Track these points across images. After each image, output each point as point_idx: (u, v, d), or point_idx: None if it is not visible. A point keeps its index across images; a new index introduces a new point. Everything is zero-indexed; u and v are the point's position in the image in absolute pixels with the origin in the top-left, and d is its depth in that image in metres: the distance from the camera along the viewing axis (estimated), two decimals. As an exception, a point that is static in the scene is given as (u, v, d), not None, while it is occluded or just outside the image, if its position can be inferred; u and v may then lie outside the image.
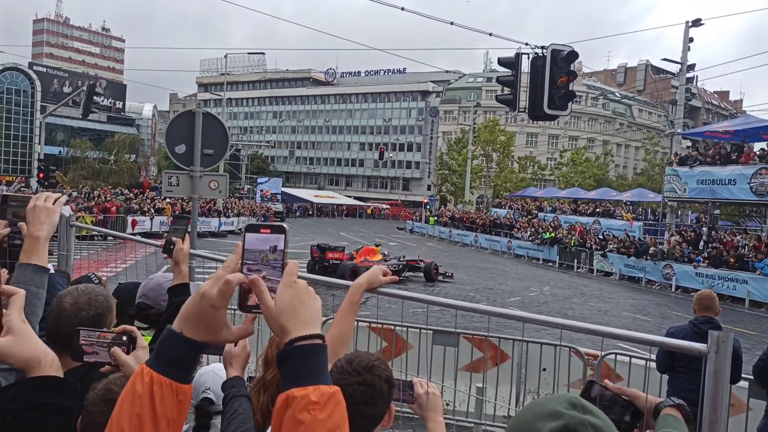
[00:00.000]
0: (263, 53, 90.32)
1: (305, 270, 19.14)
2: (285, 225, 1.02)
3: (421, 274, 20.43)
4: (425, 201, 54.02)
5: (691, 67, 28.15)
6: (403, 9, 13.15)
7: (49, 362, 1.09)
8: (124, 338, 1.61)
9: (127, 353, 1.58)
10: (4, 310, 1.10)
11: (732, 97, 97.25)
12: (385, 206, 76.31)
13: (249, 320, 1.02)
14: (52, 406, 1.03)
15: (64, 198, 1.97)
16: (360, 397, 1.55)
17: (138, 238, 4.36)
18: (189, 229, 2.46)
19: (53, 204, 1.84)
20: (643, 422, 1.52)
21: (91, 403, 1.63)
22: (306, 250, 20.72)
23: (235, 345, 2.09)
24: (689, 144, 30.59)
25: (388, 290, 2.09)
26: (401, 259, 20.99)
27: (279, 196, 64.72)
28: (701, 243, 23.87)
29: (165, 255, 2.40)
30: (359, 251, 20.53)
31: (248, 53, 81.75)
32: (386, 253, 21.19)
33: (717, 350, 1.33)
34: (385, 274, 2.06)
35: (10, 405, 1.03)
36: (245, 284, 0.98)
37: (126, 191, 37.23)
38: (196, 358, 0.96)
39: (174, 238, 2.33)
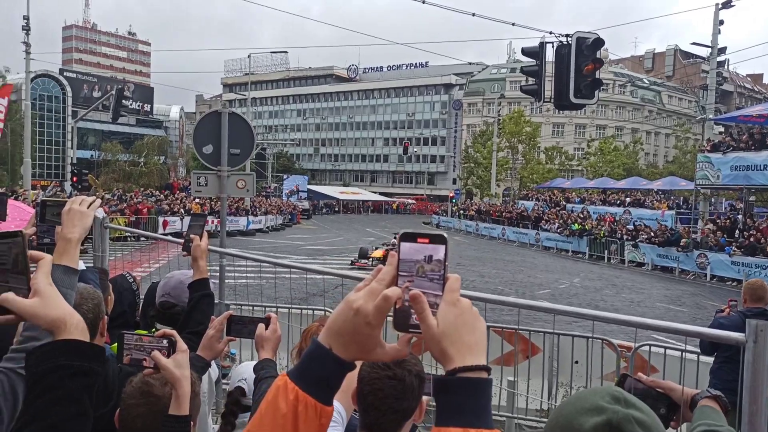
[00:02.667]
0: (286, 52, 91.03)
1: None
2: (445, 235, 0.92)
3: None
4: (451, 195, 53.68)
5: (722, 50, 27.32)
6: (424, 2, 13.08)
7: (74, 324, 1.11)
8: (165, 342, 1.64)
9: (167, 357, 1.62)
10: (31, 274, 1.13)
11: (766, 80, 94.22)
12: (410, 201, 76.15)
13: (404, 341, 0.91)
14: (73, 368, 1.05)
15: (99, 202, 2.03)
16: (390, 391, 1.56)
17: (168, 237, 4.46)
18: (207, 227, 2.53)
19: (87, 208, 1.89)
20: (680, 414, 1.50)
21: (129, 396, 1.68)
22: (334, 246, 20.95)
23: (266, 328, 2.14)
24: (722, 130, 29.68)
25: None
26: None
27: (304, 194, 65.13)
28: (736, 231, 23.23)
29: (185, 253, 2.48)
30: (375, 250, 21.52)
31: (271, 52, 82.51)
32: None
33: (755, 339, 1.30)
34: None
35: (33, 368, 1.07)
36: (402, 300, 0.87)
37: (156, 192, 37.95)
38: (342, 378, 0.87)
39: (192, 236, 2.40)
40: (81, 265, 2.63)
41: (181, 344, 1.67)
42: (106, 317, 2.24)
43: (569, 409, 0.94)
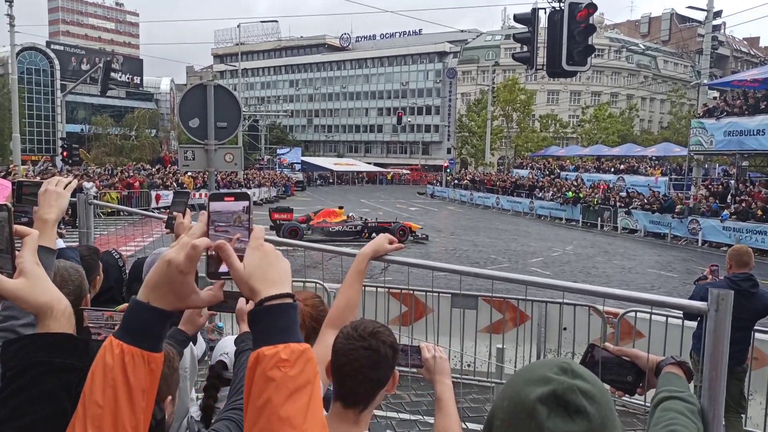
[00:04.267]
0: (276, 21, 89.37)
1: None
2: (248, 191, 1.08)
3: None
4: (445, 165, 53.58)
5: (718, 13, 27.06)
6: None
7: (61, 310, 1.05)
8: None
9: None
10: (17, 252, 1.05)
11: (763, 43, 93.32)
12: (405, 171, 75.99)
13: (218, 286, 1.03)
14: (52, 365, 1.00)
15: (75, 182, 2.03)
16: (365, 361, 1.60)
17: (154, 214, 4.45)
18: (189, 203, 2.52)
19: (64, 188, 1.89)
20: (645, 381, 1.53)
21: None
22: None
23: (248, 302, 2.16)
24: (717, 95, 29.56)
25: (396, 258, 2.12)
26: (367, 221, 21.44)
27: (298, 166, 64.84)
28: (729, 196, 23.34)
29: (167, 230, 2.48)
30: (318, 213, 21.54)
31: (261, 22, 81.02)
32: (351, 215, 21.76)
33: (717, 308, 1.32)
34: (390, 242, 2.08)
35: (9, 363, 1.00)
36: (212, 249, 0.98)
37: (148, 166, 37.71)
38: (165, 326, 0.97)
39: (175, 213, 2.40)
40: (60, 243, 2.63)
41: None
42: (89, 295, 2.24)
43: (518, 380, 0.95)
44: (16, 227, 1.10)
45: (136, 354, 0.91)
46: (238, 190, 1.06)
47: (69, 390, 1.00)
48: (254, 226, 1.02)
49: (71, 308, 1.10)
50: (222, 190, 1.12)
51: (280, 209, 22.80)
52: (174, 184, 30.59)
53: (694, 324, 4.91)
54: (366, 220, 21.79)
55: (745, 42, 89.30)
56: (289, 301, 0.93)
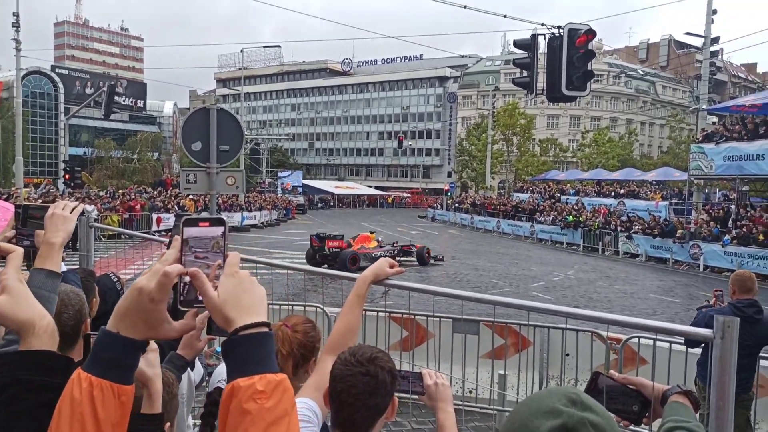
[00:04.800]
0: (279, 46, 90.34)
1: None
2: (223, 217, 1.05)
3: (414, 259, 20.88)
4: (446, 188, 53.71)
5: (716, 40, 27.33)
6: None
7: (44, 327, 1.04)
8: None
9: None
10: (0, 269, 1.06)
11: (760, 69, 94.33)
12: (406, 195, 76.17)
13: (191, 314, 1.01)
14: (33, 383, 0.99)
15: (81, 207, 2.03)
16: (363, 387, 1.57)
17: (155, 237, 4.45)
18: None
19: (71, 212, 1.90)
20: (651, 411, 1.50)
21: None
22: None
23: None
24: (715, 120, 29.74)
25: (396, 282, 2.10)
26: (395, 245, 21.55)
27: (300, 189, 65.04)
28: (729, 221, 23.32)
29: None
30: (356, 239, 21.07)
31: (264, 47, 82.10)
32: (380, 240, 21.68)
33: (723, 336, 1.30)
34: (391, 266, 2.07)
35: None
36: (185, 276, 0.96)
37: (150, 189, 37.83)
38: (136, 357, 0.94)
39: (176, 236, 2.39)
40: (62, 267, 2.61)
41: (152, 343, 1.66)
42: (89, 320, 2.23)
43: (524, 411, 0.93)
44: (0, 245, 1.12)
45: (105, 387, 0.88)
46: (214, 216, 1.06)
47: (49, 408, 0.98)
48: (229, 252, 1.00)
49: (54, 324, 1.09)
50: (196, 215, 1.09)
51: (331, 236, 20.17)
52: (175, 207, 30.64)
53: (698, 350, 4.86)
54: (396, 243, 22.05)
55: (743, 68, 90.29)
56: (265, 330, 0.91)
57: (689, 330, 1.43)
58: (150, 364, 1.62)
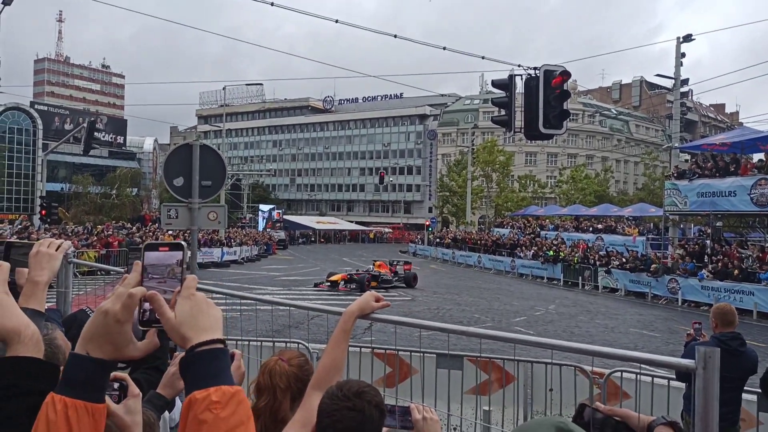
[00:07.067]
0: (261, 84, 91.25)
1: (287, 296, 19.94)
2: (183, 242, 1.10)
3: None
4: (427, 223, 53.96)
5: (685, 81, 28.38)
6: (396, 36, 13.36)
7: (29, 336, 1.09)
8: (116, 386, 1.48)
9: (118, 402, 1.51)
10: None
11: (728, 110, 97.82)
12: (387, 230, 76.29)
13: (151, 334, 1.07)
14: (18, 388, 1.02)
15: (67, 244, 2.01)
16: (349, 422, 1.56)
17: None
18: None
19: (56, 250, 1.87)
20: (637, 441, 1.51)
21: None
22: (311, 277, 21.06)
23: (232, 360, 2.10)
24: (688, 157, 30.63)
25: (383, 316, 2.10)
26: (393, 267, 25.88)
27: (279, 224, 64.76)
28: (705, 256, 23.76)
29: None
30: (378, 265, 25.17)
31: (246, 84, 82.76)
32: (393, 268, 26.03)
33: (705, 366, 1.33)
34: (377, 300, 2.07)
35: None
36: (144, 298, 1.01)
37: (128, 225, 37.33)
38: (106, 376, 0.99)
39: (136, 261, 2.37)
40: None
41: (133, 388, 1.58)
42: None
43: None
44: None
45: (79, 407, 0.92)
46: (174, 241, 1.11)
47: (34, 414, 1.01)
48: (186, 275, 1.05)
49: (39, 335, 1.13)
50: (157, 241, 1.14)
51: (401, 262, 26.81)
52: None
53: (681, 384, 4.88)
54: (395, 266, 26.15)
55: (712, 108, 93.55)
56: (220, 346, 0.95)
57: (672, 361, 1.46)
58: (129, 410, 1.54)
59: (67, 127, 61.04)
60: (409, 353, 6.63)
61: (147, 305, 1.03)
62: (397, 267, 26.10)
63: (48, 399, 0.93)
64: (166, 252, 1.06)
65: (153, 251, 1.06)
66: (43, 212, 29.53)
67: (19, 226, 29.50)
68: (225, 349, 0.95)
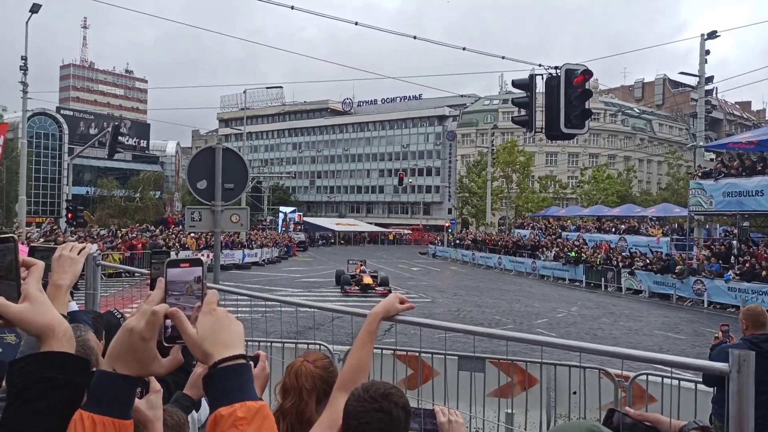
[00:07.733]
0: (281, 87, 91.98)
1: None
2: (202, 258, 1.13)
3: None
4: (446, 225, 53.77)
5: (710, 79, 27.85)
6: (415, 38, 13.36)
7: (62, 332, 1.11)
8: None
9: (140, 398, 1.57)
10: (22, 280, 1.13)
11: (754, 107, 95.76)
12: (406, 231, 76.21)
13: (175, 350, 1.07)
14: (56, 381, 1.05)
15: (89, 248, 2.04)
16: (377, 424, 1.56)
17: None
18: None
19: (78, 254, 1.90)
20: (668, 446, 1.48)
21: None
22: (331, 278, 21.00)
23: (255, 366, 2.12)
24: (713, 156, 30.03)
25: (407, 318, 2.10)
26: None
27: (300, 226, 65.16)
28: (732, 257, 23.27)
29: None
30: None
31: (266, 87, 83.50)
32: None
33: (739, 370, 1.30)
34: (402, 302, 2.07)
35: (15, 378, 1.06)
36: (166, 315, 1.03)
37: (152, 228, 37.90)
38: (132, 393, 1.01)
39: (159, 278, 2.39)
40: (73, 306, 2.60)
41: (155, 384, 1.63)
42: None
43: None
44: (24, 258, 1.17)
45: (107, 423, 0.93)
46: (193, 257, 1.12)
47: (71, 406, 1.05)
48: (207, 290, 1.06)
49: (72, 331, 1.16)
50: (178, 257, 1.16)
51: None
52: (177, 245, 30.63)
53: (708, 387, 4.78)
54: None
55: (738, 106, 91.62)
56: (242, 361, 0.96)
57: (705, 364, 1.43)
58: (151, 405, 1.59)
59: (92, 131, 62.23)
60: (430, 355, 6.61)
61: (169, 322, 1.04)
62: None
63: (76, 416, 0.95)
64: (186, 268, 1.08)
65: (174, 268, 1.08)
66: (70, 215, 30.16)
67: (47, 229, 30.13)
68: (248, 365, 0.97)
